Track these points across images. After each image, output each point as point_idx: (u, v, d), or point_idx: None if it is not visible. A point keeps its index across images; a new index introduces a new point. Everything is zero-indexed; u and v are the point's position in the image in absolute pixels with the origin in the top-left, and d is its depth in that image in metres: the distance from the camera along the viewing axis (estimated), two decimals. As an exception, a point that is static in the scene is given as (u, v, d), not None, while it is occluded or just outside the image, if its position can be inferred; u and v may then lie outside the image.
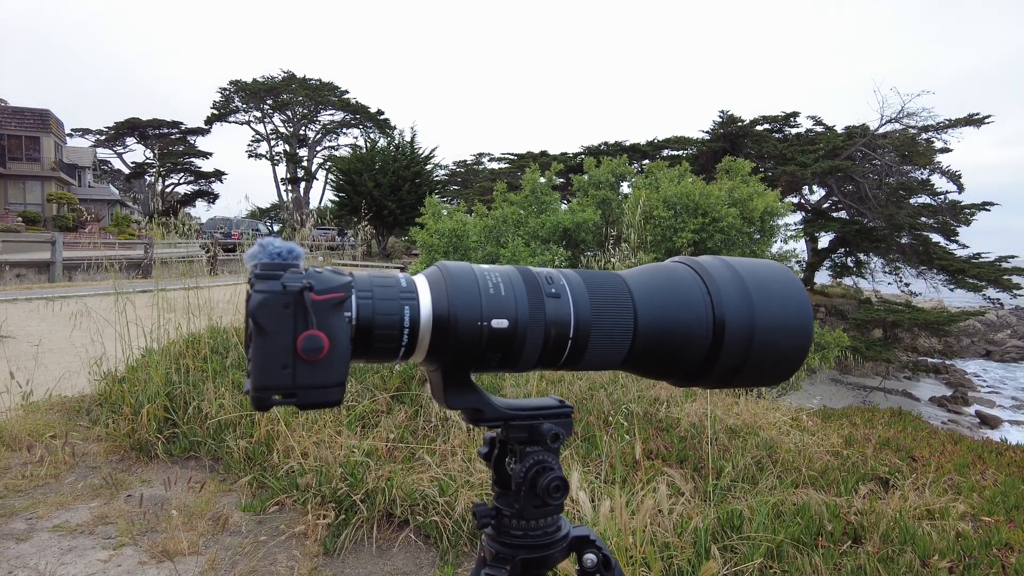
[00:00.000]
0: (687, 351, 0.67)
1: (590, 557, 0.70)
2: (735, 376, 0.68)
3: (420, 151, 30.77)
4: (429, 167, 31.34)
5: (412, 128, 48.59)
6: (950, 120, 19.72)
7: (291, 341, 0.52)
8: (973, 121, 19.51)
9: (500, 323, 0.61)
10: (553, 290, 0.65)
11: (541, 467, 0.66)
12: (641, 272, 0.71)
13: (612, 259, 7.17)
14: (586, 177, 12.79)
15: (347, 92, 43.18)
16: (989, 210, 19.70)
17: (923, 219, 19.82)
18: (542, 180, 12.14)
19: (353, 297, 0.57)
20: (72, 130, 41.08)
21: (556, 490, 0.65)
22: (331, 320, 0.53)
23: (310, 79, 42.08)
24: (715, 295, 0.67)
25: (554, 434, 0.67)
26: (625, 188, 12.87)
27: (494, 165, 33.89)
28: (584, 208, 11.43)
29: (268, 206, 47.94)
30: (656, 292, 0.68)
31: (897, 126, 20.15)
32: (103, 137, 43.63)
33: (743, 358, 0.66)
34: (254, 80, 41.54)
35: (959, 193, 20.18)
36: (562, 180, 20.03)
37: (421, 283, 0.62)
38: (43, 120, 32.21)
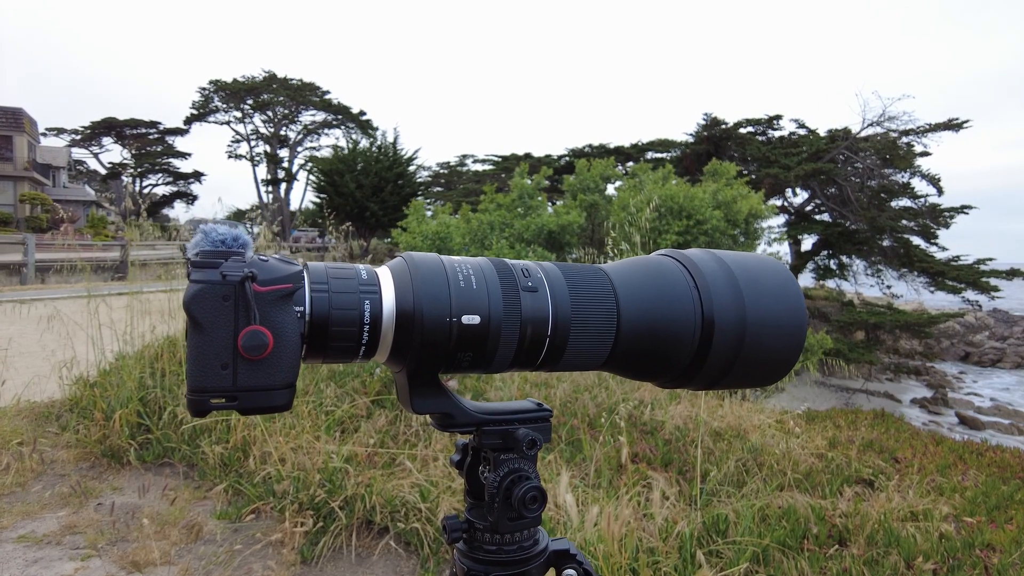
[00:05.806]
0: (674, 350, 0.62)
1: (570, 573, 0.65)
2: (724, 377, 0.64)
3: (403, 152, 30.53)
4: (412, 168, 31.14)
5: (395, 129, 48.17)
6: (929, 124, 20.02)
7: (231, 338, 0.46)
8: (952, 126, 19.80)
9: (471, 319, 0.55)
10: (530, 283, 0.59)
11: (516, 476, 0.60)
12: (624, 265, 0.66)
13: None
14: (573, 178, 12.83)
15: (329, 92, 42.68)
16: (967, 213, 19.99)
17: (904, 222, 20.07)
18: (528, 182, 12.18)
19: (306, 289, 0.51)
20: (46, 129, 40.08)
21: (532, 501, 0.59)
22: (277, 314, 0.47)
23: (291, 79, 41.49)
24: (703, 291, 0.62)
25: (531, 440, 0.61)
26: (611, 190, 12.91)
27: (478, 167, 33.71)
28: (569, 211, 11.45)
29: (249, 207, 47.42)
30: (641, 287, 0.63)
31: (878, 129, 20.43)
32: (78, 137, 42.60)
33: (733, 358, 0.62)
34: (234, 80, 40.87)
35: (939, 196, 20.48)
36: (548, 182, 20.04)
37: (384, 275, 0.56)
38: (15, 119, 31.47)
